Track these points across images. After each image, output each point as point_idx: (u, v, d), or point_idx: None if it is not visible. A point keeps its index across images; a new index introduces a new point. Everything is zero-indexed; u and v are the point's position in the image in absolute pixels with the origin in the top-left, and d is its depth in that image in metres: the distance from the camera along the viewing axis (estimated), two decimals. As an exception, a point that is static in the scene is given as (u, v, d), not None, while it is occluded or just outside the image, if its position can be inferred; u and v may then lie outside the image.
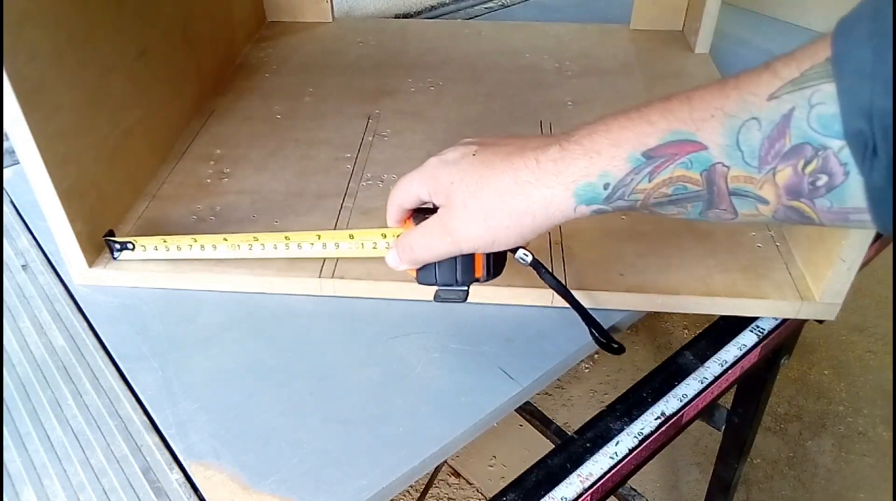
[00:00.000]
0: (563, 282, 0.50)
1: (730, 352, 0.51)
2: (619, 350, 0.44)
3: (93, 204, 0.51)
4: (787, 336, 0.60)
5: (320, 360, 0.47)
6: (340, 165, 0.63)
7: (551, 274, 0.43)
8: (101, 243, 0.53)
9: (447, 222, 0.38)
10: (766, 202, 0.31)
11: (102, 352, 0.48)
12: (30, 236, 0.59)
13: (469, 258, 0.40)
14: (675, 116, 0.31)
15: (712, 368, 0.50)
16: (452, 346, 0.47)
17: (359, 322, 0.49)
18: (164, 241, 0.51)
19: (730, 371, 0.50)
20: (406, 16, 1.12)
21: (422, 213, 0.41)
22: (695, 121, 0.31)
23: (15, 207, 0.63)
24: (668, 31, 0.88)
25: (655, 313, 0.51)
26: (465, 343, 0.48)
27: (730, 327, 0.53)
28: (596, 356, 1.54)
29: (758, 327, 0.52)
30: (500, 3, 1.09)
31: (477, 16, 1.06)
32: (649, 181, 0.33)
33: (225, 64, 0.80)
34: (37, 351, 0.48)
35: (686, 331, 1.58)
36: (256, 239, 0.50)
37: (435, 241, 0.39)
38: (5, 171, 0.67)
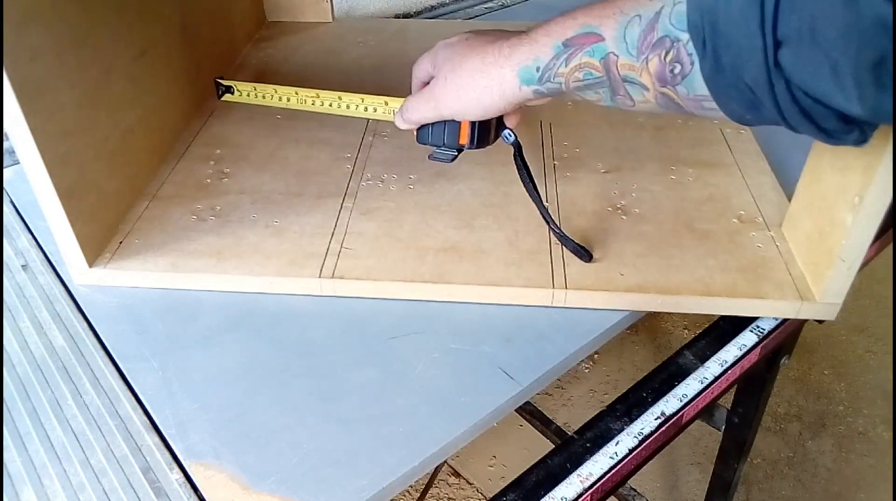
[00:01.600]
0: (564, 287, 0.50)
1: (730, 352, 0.51)
2: (589, 257, 0.51)
3: (93, 204, 0.51)
4: (787, 336, 0.60)
5: (320, 360, 0.47)
6: (340, 165, 0.63)
7: (524, 162, 0.49)
8: (102, 242, 0.53)
9: (433, 90, 0.46)
10: (647, 89, 0.36)
11: (102, 352, 0.48)
12: (30, 236, 0.59)
13: (455, 125, 0.47)
14: (592, 14, 0.38)
15: (712, 368, 0.50)
16: (452, 346, 0.47)
17: (359, 322, 0.49)
18: (255, 88, 0.60)
19: (730, 371, 0.50)
20: (406, 16, 1.12)
21: None
22: (600, 17, 0.37)
23: (15, 207, 0.63)
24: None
25: (655, 313, 0.51)
26: (465, 343, 0.48)
27: (730, 327, 0.53)
28: (596, 356, 1.55)
29: (758, 327, 0.52)
30: (500, 3, 1.09)
31: (477, 16, 1.06)
32: (566, 66, 0.39)
33: (225, 64, 0.80)
34: (37, 351, 0.48)
35: (686, 331, 1.58)
36: (318, 96, 0.57)
37: (422, 104, 0.47)
38: (5, 171, 0.67)
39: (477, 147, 0.48)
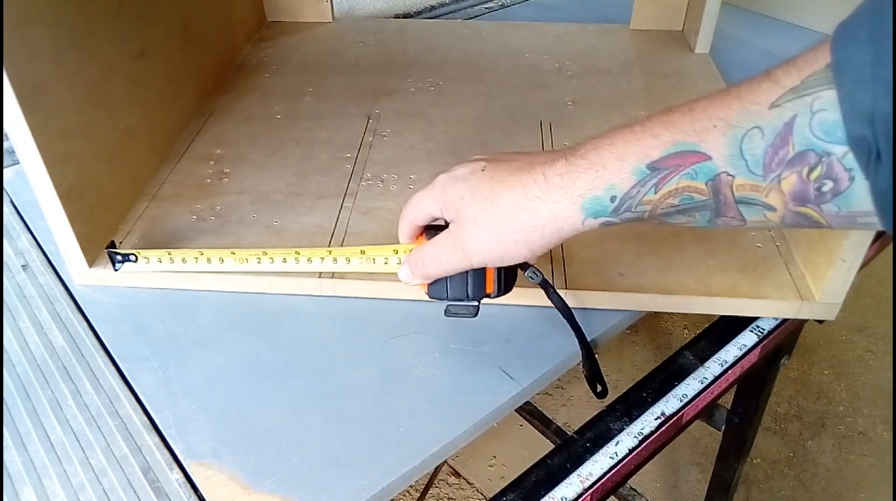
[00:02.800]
0: (564, 287, 0.50)
1: (730, 352, 0.51)
2: (602, 394, 0.44)
3: (93, 204, 0.51)
4: (787, 336, 0.60)
5: (320, 360, 0.47)
6: (340, 165, 0.63)
7: (559, 295, 0.43)
8: (102, 242, 0.53)
9: (458, 236, 0.39)
10: (773, 209, 0.31)
11: (102, 352, 0.48)
12: (30, 236, 0.59)
13: (480, 273, 0.41)
14: (678, 127, 0.32)
15: (712, 368, 0.50)
16: (452, 346, 0.47)
17: (359, 322, 0.49)
18: (169, 254, 0.50)
19: (730, 371, 0.50)
20: (406, 16, 1.12)
21: (433, 229, 0.41)
22: (697, 132, 0.31)
23: (15, 207, 0.63)
24: (668, 31, 0.88)
25: (655, 313, 0.51)
26: (465, 343, 0.48)
27: (730, 327, 0.53)
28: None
29: (758, 327, 0.52)
30: (500, 3, 1.09)
31: (477, 16, 1.06)
32: (655, 193, 0.33)
33: (225, 64, 0.80)
34: (37, 351, 0.48)
35: (686, 331, 1.58)
36: (265, 253, 0.49)
37: (446, 255, 0.39)
38: (5, 171, 0.67)
39: (503, 294, 0.42)
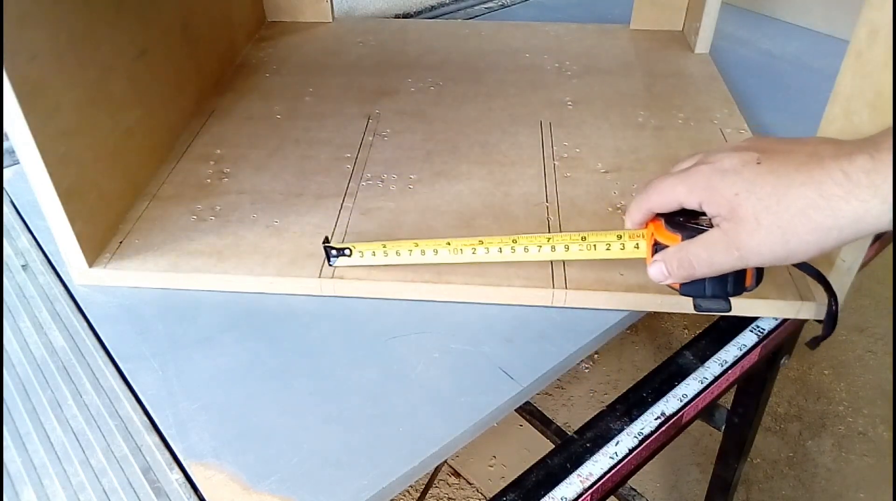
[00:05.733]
0: (564, 287, 0.50)
1: (730, 352, 0.51)
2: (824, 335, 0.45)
3: (93, 204, 0.51)
4: (787, 336, 0.60)
5: (320, 360, 0.47)
6: (340, 165, 0.63)
7: (820, 273, 0.43)
8: (102, 242, 0.53)
9: (734, 236, 0.36)
10: None
11: (102, 352, 0.48)
12: (30, 236, 0.59)
13: (743, 270, 0.39)
14: None
15: (712, 368, 0.50)
16: (452, 346, 0.47)
17: (359, 322, 0.49)
18: (384, 247, 0.49)
19: (730, 371, 0.50)
20: (406, 16, 1.12)
21: (673, 216, 0.39)
22: None
23: (15, 207, 0.63)
24: (668, 31, 0.88)
25: (655, 313, 0.51)
26: (465, 343, 0.48)
27: (730, 327, 0.53)
28: (596, 356, 1.54)
29: (758, 327, 0.52)
30: (500, 3, 1.09)
31: (477, 16, 1.06)
32: None
33: (225, 64, 0.80)
34: (37, 351, 0.48)
35: (686, 331, 1.58)
36: (481, 243, 0.47)
37: (719, 257, 0.37)
38: (5, 171, 0.67)
39: (759, 284, 0.40)
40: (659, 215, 0.40)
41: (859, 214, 0.33)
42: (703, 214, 0.38)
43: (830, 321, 0.47)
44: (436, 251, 0.48)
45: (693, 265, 0.38)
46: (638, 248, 0.43)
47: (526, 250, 0.46)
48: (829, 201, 0.33)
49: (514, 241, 0.46)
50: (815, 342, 0.46)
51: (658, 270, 0.40)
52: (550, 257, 0.46)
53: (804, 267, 0.42)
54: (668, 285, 0.41)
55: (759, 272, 0.40)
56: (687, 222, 0.39)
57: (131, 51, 0.57)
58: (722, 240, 0.36)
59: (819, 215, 0.33)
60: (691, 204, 0.38)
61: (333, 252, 0.50)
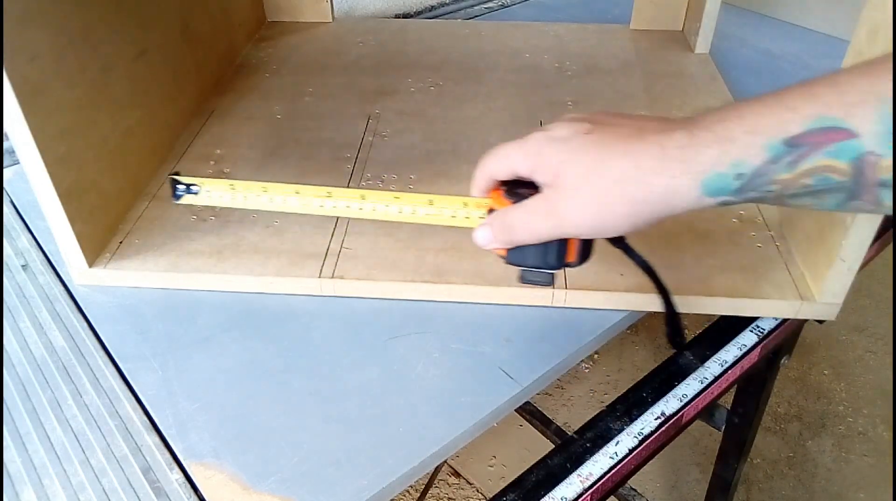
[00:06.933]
0: (565, 287, 0.50)
1: (730, 352, 0.51)
2: (679, 344, 0.43)
3: (93, 204, 0.51)
4: (787, 336, 0.60)
5: (320, 360, 0.47)
6: (340, 165, 0.63)
7: (642, 258, 0.41)
8: (102, 242, 0.53)
9: (554, 203, 0.36)
10: None
11: (102, 352, 0.48)
12: (30, 236, 0.59)
13: (563, 241, 0.38)
14: (822, 100, 0.29)
15: (712, 368, 0.50)
16: (452, 346, 0.47)
17: (359, 322, 0.49)
18: (233, 187, 0.46)
19: (730, 371, 0.50)
20: (406, 16, 1.12)
21: (515, 189, 0.39)
22: (846, 106, 0.28)
23: (15, 207, 0.63)
24: (668, 31, 0.88)
25: (655, 313, 0.51)
26: (465, 343, 0.48)
27: (730, 327, 0.53)
28: (596, 356, 1.54)
29: (758, 327, 0.52)
30: (500, 3, 1.09)
31: (477, 16, 1.06)
32: (789, 172, 0.30)
33: (225, 64, 0.80)
34: (37, 351, 0.48)
35: (686, 331, 1.58)
36: (329, 194, 0.44)
37: (538, 222, 0.37)
38: (5, 171, 0.67)
39: (583, 263, 0.40)
40: (503, 184, 0.39)
41: (669, 189, 0.32)
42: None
43: (670, 320, 0.43)
44: (284, 200, 0.46)
45: (514, 230, 0.38)
46: (482, 218, 0.41)
47: (374, 208, 0.44)
48: (643, 174, 0.33)
49: (363, 197, 0.44)
50: (675, 344, 0.44)
51: (483, 233, 0.40)
52: (398, 217, 0.44)
53: (633, 256, 0.41)
54: (496, 253, 0.41)
55: (584, 249, 0.39)
56: (525, 191, 0.38)
57: (131, 51, 0.57)
58: (542, 206, 0.36)
59: (632, 186, 0.33)
60: (524, 171, 0.37)
61: (181, 187, 0.46)
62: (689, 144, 0.32)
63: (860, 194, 0.30)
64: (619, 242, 0.40)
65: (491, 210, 0.40)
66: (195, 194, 0.46)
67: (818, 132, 0.29)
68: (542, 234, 0.37)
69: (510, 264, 0.40)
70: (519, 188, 0.38)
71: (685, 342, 0.43)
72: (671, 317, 0.43)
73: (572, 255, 0.39)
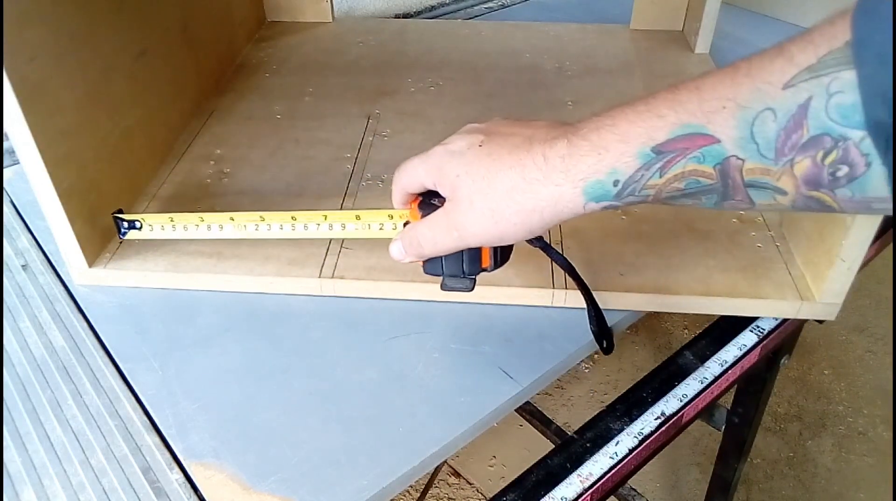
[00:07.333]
0: (565, 287, 0.50)
1: (730, 352, 0.51)
2: (608, 350, 0.44)
3: (93, 204, 0.51)
4: (787, 336, 0.60)
5: (320, 360, 0.47)
6: (340, 165, 0.63)
7: (558, 253, 0.42)
8: (102, 242, 0.53)
9: (453, 217, 0.37)
10: (784, 193, 0.30)
11: (102, 352, 0.48)
12: (30, 236, 0.59)
13: (476, 249, 0.40)
14: (684, 107, 0.30)
15: (712, 368, 0.50)
16: (452, 346, 0.47)
17: (359, 322, 0.49)
18: (172, 220, 0.49)
19: (730, 371, 0.50)
20: (406, 16, 1.12)
21: (428, 197, 0.40)
22: (705, 113, 0.30)
23: (15, 207, 0.63)
24: (668, 31, 0.88)
25: (655, 313, 0.51)
26: (465, 343, 0.48)
27: (730, 327, 0.53)
28: (596, 356, 1.53)
29: (758, 327, 0.52)
30: (500, 3, 1.09)
31: (477, 16, 1.06)
32: (660, 177, 0.32)
33: (225, 64, 0.80)
34: (37, 351, 0.48)
35: (686, 331, 1.58)
36: (263, 219, 0.47)
37: (441, 236, 0.38)
38: (5, 171, 0.67)
39: (499, 267, 0.41)
40: (419, 196, 0.41)
41: (555, 197, 0.34)
42: None
43: (595, 319, 0.44)
44: (221, 227, 0.48)
45: (421, 244, 0.39)
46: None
47: (305, 227, 0.46)
48: (530, 185, 0.34)
49: (294, 218, 0.46)
50: (599, 342, 0.46)
51: (395, 248, 0.41)
52: (328, 235, 0.46)
53: (552, 254, 0.42)
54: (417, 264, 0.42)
55: (500, 255, 0.40)
56: (439, 201, 0.39)
57: (131, 51, 0.57)
58: (443, 220, 0.38)
59: (522, 197, 0.34)
60: (428, 184, 0.39)
61: (125, 224, 0.50)
62: (568, 153, 0.34)
63: (731, 194, 0.31)
64: (537, 241, 0.41)
65: (406, 223, 0.42)
66: (138, 229, 0.50)
67: (683, 139, 0.30)
68: (448, 246, 0.39)
69: (428, 274, 0.42)
70: (434, 199, 0.40)
71: (612, 346, 0.45)
72: (596, 316, 0.44)
73: (486, 261, 0.40)
